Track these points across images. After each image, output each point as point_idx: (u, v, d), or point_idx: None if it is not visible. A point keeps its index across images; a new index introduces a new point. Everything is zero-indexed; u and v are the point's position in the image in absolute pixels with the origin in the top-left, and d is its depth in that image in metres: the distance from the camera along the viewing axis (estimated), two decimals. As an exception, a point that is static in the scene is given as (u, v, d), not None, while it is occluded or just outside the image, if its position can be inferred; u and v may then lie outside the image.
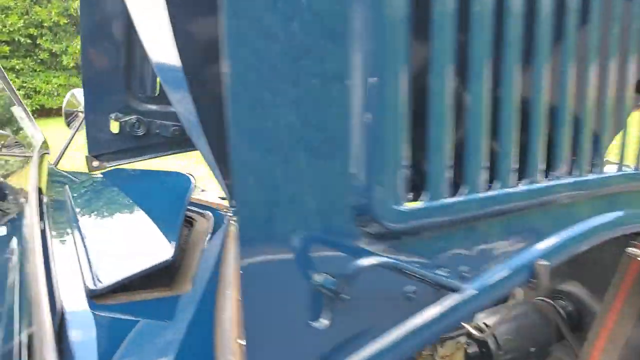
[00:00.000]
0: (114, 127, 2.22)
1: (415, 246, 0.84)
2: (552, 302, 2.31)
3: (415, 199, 0.85)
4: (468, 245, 0.92)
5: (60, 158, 2.56)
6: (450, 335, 1.81)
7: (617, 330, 1.99)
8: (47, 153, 2.18)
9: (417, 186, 0.87)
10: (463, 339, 1.97)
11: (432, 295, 0.90)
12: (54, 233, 1.29)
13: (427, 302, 0.89)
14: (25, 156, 2.10)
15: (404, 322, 0.85)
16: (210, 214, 1.62)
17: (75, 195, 1.65)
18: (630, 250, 1.99)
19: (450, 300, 0.89)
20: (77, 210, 1.47)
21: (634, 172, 1.52)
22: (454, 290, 0.85)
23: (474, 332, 2.08)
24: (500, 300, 2.51)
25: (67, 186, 1.76)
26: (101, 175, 1.95)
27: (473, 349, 2.10)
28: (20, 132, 2.29)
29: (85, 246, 1.20)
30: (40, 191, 1.47)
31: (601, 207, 1.33)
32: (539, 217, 1.06)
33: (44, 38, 18.16)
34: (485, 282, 0.94)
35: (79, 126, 2.62)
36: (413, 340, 0.86)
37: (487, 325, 2.10)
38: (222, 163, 1.59)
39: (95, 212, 1.45)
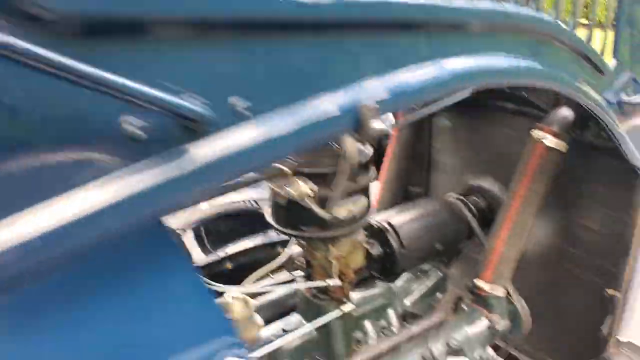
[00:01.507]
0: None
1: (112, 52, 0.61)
2: (463, 198, 2.19)
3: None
4: (244, 68, 0.71)
5: None
6: (342, 233, 1.66)
7: (520, 219, 1.88)
8: None
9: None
10: (361, 237, 1.83)
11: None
12: None
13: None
14: None
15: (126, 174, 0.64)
16: None
17: None
18: (535, 132, 1.86)
19: (202, 146, 0.67)
20: None
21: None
22: (197, 120, 0.63)
23: (377, 225, 1.96)
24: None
25: None
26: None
27: (376, 250, 1.97)
28: None
29: None
30: None
31: (471, 45, 1.13)
32: (375, 44, 0.85)
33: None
34: (273, 122, 0.73)
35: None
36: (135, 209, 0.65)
37: (390, 225, 1.97)
38: None
39: None
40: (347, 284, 1.81)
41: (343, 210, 1.63)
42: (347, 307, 1.80)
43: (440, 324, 1.95)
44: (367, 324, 2.02)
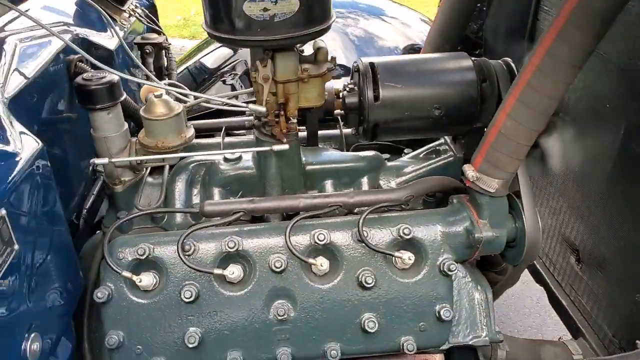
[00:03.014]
0: None
1: None
2: (511, 63, 1.57)
3: None
4: None
5: None
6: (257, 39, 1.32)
7: (537, 84, 1.26)
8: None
9: None
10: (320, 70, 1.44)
11: None
12: None
13: None
14: None
15: None
16: None
17: None
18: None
19: None
20: None
21: None
22: None
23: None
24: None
25: None
26: None
27: (351, 98, 1.56)
28: None
29: None
30: None
31: None
32: None
33: None
34: None
35: None
36: None
37: (372, 67, 1.52)
38: None
39: None
40: (283, 120, 1.46)
41: (255, 6, 1.26)
42: (279, 147, 1.47)
43: (397, 206, 1.48)
44: (327, 184, 1.65)
